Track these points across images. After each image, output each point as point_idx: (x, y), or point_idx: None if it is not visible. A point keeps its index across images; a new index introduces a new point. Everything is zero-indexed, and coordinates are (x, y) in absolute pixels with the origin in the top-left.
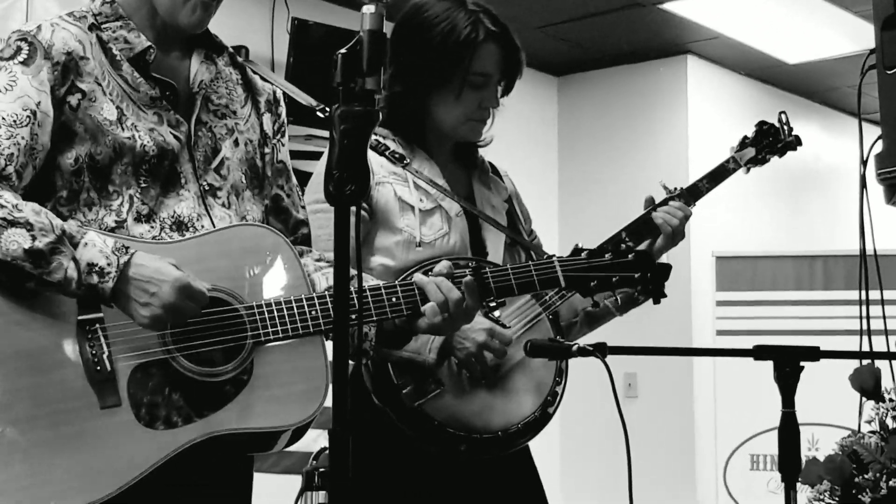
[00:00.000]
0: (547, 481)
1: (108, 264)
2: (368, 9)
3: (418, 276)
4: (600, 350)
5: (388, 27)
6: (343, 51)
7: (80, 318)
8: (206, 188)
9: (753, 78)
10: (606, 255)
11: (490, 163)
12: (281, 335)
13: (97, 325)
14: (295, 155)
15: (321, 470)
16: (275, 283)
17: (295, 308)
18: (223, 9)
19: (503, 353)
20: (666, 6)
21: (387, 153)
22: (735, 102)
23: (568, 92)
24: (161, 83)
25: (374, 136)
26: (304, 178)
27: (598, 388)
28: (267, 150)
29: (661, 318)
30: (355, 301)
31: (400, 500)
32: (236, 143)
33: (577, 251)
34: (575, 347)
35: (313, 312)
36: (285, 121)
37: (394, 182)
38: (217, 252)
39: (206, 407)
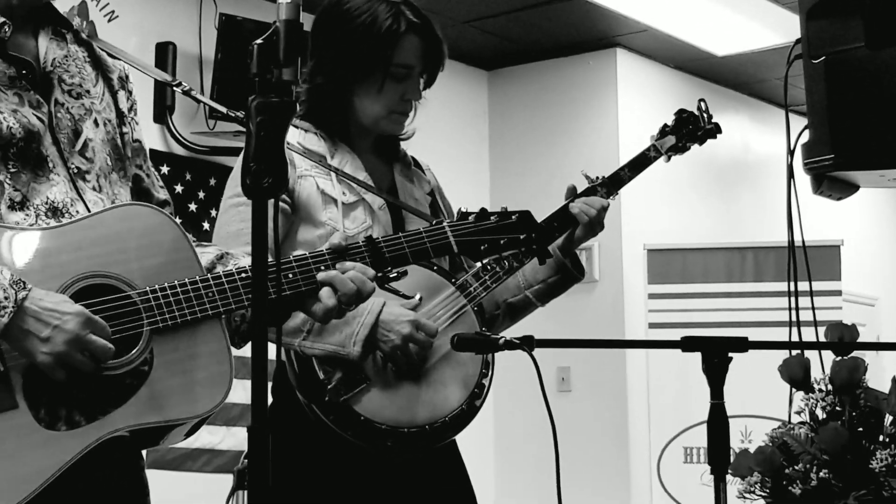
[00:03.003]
0: (481, 476)
1: (6, 298)
2: None
3: (322, 275)
4: (528, 343)
5: (307, 18)
6: (259, 41)
7: None
8: (75, 171)
9: (682, 70)
10: (492, 218)
11: (413, 157)
12: (179, 320)
13: None
14: (224, 151)
15: None
16: (166, 266)
17: (191, 290)
18: (149, 4)
19: (429, 344)
20: None
21: (306, 154)
22: (664, 95)
23: (498, 86)
24: (17, 61)
25: (295, 130)
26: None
27: (531, 382)
28: (125, 129)
29: (594, 312)
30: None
31: (325, 499)
32: (96, 123)
33: (463, 215)
34: (502, 341)
35: (210, 295)
36: (136, 98)
37: (316, 175)
38: (102, 236)
39: (109, 402)
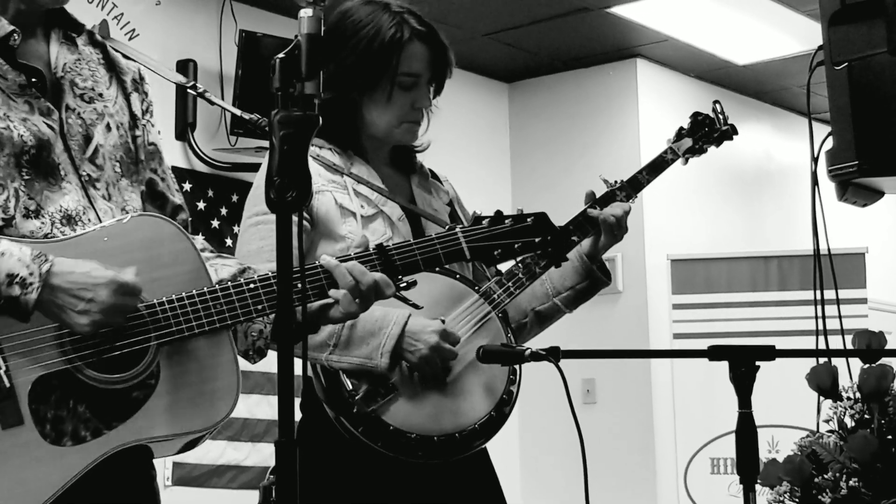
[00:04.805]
0: (507, 487)
1: (31, 274)
2: (306, 12)
3: (325, 258)
4: (554, 354)
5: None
6: (281, 55)
7: None
8: (87, 179)
9: (703, 80)
10: (507, 221)
11: (430, 168)
12: (186, 333)
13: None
14: (246, 167)
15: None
16: (175, 278)
17: (199, 303)
18: (170, 21)
19: (454, 354)
20: (614, 10)
21: (322, 162)
22: (685, 104)
23: (519, 98)
24: (26, 69)
25: (310, 147)
26: None
27: (557, 392)
28: (138, 132)
29: (618, 323)
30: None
31: None
32: (108, 127)
33: (477, 219)
34: (528, 352)
35: (218, 307)
36: (152, 100)
37: (333, 190)
38: (111, 248)
39: (114, 417)
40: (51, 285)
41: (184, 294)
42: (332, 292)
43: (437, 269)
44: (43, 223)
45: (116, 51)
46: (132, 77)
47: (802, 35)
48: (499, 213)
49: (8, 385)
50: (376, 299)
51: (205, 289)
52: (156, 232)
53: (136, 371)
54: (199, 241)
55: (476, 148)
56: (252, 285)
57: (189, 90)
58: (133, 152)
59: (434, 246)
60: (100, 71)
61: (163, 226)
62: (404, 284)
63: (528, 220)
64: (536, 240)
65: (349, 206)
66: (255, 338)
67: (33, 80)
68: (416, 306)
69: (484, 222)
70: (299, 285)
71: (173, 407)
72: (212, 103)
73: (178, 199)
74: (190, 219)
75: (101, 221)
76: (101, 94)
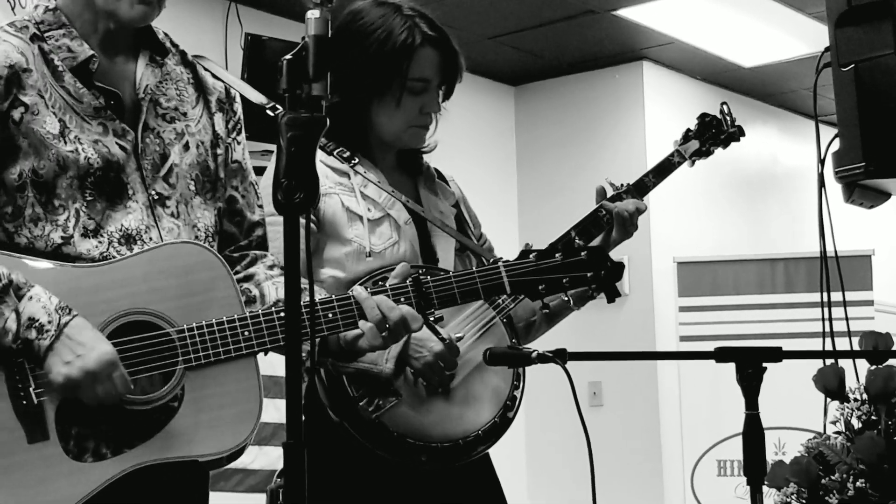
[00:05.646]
0: (514, 490)
1: (49, 322)
2: (313, 14)
3: (357, 290)
4: (560, 356)
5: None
6: (288, 57)
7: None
8: (156, 198)
9: (709, 82)
10: (557, 255)
11: (436, 169)
12: (213, 358)
13: (22, 357)
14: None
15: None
16: (206, 304)
17: (227, 329)
18: (175, 24)
19: (455, 364)
20: (619, 12)
21: (335, 153)
22: (692, 107)
23: (524, 101)
24: (105, 92)
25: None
26: None
27: (562, 395)
28: (219, 150)
29: (624, 326)
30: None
31: None
32: (186, 146)
33: (525, 253)
34: (535, 354)
35: (246, 333)
36: (241, 118)
37: (340, 193)
38: (146, 273)
39: (136, 437)
40: (60, 336)
41: (213, 320)
42: (360, 324)
43: (442, 272)
44: (100, 242)
45: (206, 70)
46: (217, 97)
47: (808, 37)
48: (551, 246)
49: (35, 402)
50: (406, 333)
51: (235, 316)
52: (192, 259)
53: (161, 393)
54: (270, 257)
55: (482, 151)
56: (282, 314)
57: (269, 111)
58: (212, 171)
59: (473, 279)
60: (188, 90)
61: (200, 253)
62: (432, 318)
63: (582, 254)
64: (588, 275)
65: (356, 209)
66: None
67: (111, 102)
68: (443, 340)
69: (531, 256)
70: (328, 314)
71: (192, 430)
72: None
73: (256, 216)
74: (265, 233)
75: (162, 240)
76: (184, 114)
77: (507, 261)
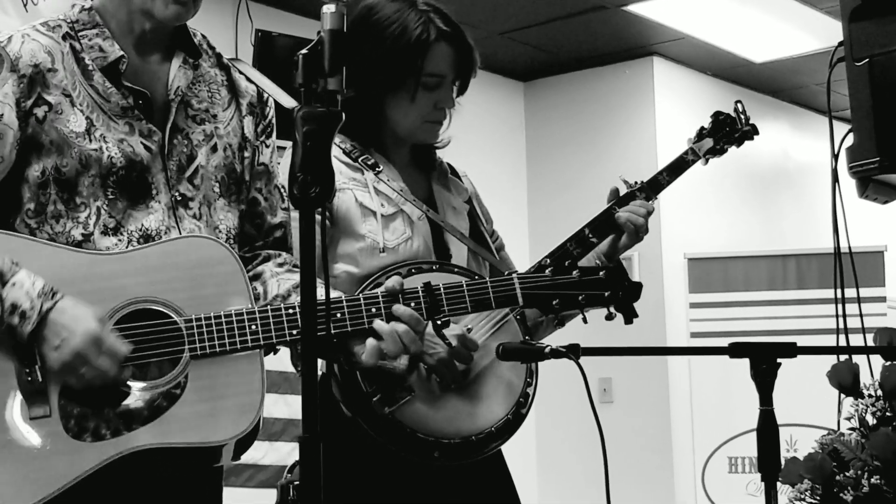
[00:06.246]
0: (525, 486)
1: (31, 308)
2: (329, 8)
3: (378, 324)
4: (573, 351)
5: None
6: (304, 51)
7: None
8: (178, 198)
9: (720, 78)
10: (574, 273)
11: (448, 164)
12: (218, 349)
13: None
14: None
15: (296, 483)
16: (217, 297)
17: (235, 322)
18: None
19: (470, 359)
20: (630, 8)
21: (352, 155)
22: (702, 103)
23: (534, 97)
24: (134, 92)
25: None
26: None
27: (573, 391)
28: (247, 153)
29: (635, 323)
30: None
31: None
32: (214, 148)
33: (541, 267)
34: (548, 349)
35: (253, 327)
36: (273, 122)
37: (354, 188)
38: (161, 264)
39: (136, 420)
40: (46, 321)
41: (222, 313)
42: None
43: (455, 269)
44: (120, 240)
45: (241, 73)
46: (249, 100)
47: (820, 32)
48: (571, 264)
49: (41, 379)
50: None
51: (243, 309)
52: (206, 252)
53: (164, 379)
54: (284, 255)
55: (492, 147)
56: (291, 310)
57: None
58: (238, 173)
59: (486, 289)
60: (221, 92)
61: (214, 248)
62: (439, 323)
63: (601, 273)
64: (606, 294)
65: (369, 204)
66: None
67: (139, 101)
68: (450, 345)
69: (547, 271)
70: (337, 314)
71: (192, 418)
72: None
73: (278, 217)
74: (285, 235)
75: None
76: (214, 116)
77: (521, 274)
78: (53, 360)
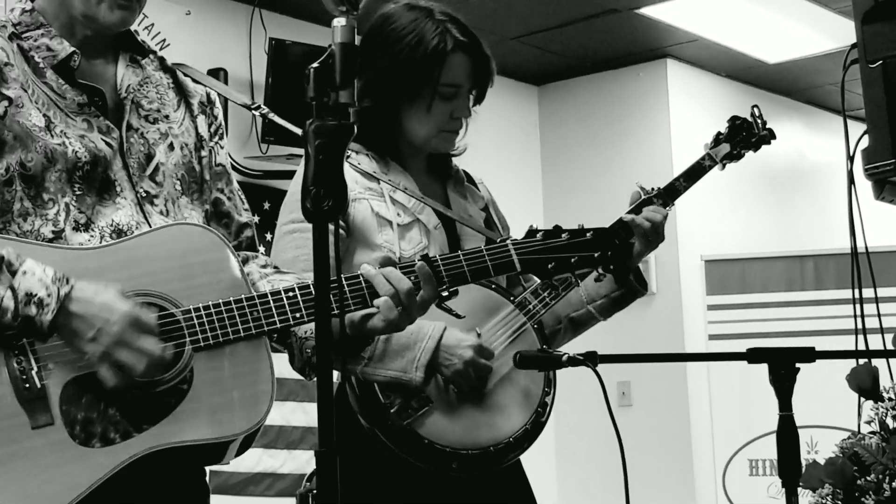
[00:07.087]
0: (544, 494)
1: (48, 295)
2: (339, 21)
3: (365, 268)
4: (591, 359)
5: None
6: (315, 65)
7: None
8: (143, 195)
9: (734, 79)
10: (563, 235)
11: (465, 171)
12: (221, 339)
13: (24, 340)
14: (277, 175)
15: (315, 492)
16: (212, 285)
17: (235, 310)
18: (200, 31)
19: (489, 369)
20: (643, 11)
21: (359, 168)
22: (717, 104)
23: (548, 100)
24: (88, 89)
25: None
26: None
27: (591, 397)
28: (204, 153)
29: (652, 325)
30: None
31: None
32: (171, 147)
33: (531, 232)
34: (565, 357)
35: (254, 313)
36: (222, 122)
37: (370, 198)
38: (152, 255)
39: (145, 420)
40: (67, 311)
41: (220, 301)
42: (375, 301)
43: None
44: (92, 236)
45: (186, 75)
46: (199, 100)
47: (834, 33)
48: (556, 227)
49: (39, 386)
50: (420, 310)
51: (242, 296)
52: (195, 241)
53: (169, 375)
54: (263, 257)
55: (506, 151)
56: (291, 293)
57: (253, 111)
58: (197, 172)
59: (483, 257)
60: (169, 94)
61: (203, 234)
62: (446, 294)
63: (588, 234)
64: (596, 254)
65: (385, 214)
66: (309, 354)
67: (95, 98)
68: (458, 316)
69: (538, 235)
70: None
71: (204, 413)
72: (266, 121)
73: (244, 217)
74: (254, 235)
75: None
76: (166, 116)
77: (516, 239)
78: (94, 354)
